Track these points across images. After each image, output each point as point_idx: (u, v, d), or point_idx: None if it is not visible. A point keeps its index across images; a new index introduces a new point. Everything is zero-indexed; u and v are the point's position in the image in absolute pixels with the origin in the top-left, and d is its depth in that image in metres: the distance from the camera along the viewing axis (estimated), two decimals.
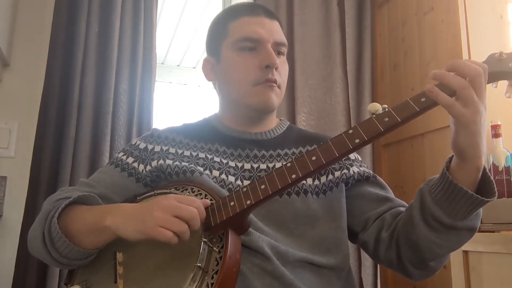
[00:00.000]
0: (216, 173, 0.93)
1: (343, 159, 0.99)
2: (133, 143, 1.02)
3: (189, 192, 0.85)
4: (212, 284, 0.70)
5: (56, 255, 0.83)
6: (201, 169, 0.92)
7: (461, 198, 0.75)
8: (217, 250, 0.75)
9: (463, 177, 0.75)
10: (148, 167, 0.95)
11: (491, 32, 1.76)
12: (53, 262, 0.86)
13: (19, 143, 1.92)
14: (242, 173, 0.94)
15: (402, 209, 0.93)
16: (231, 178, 0.93)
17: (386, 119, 0.73)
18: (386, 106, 0.75)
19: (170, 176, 0.92)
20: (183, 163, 0.92)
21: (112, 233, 0.79)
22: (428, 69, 1.91)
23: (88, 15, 1.89)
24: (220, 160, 0.96)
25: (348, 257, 0.94)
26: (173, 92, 2.77)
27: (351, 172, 0.98)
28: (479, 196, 0.74)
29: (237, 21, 0.98)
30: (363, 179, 1.00)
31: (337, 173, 0.97)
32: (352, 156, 1.02)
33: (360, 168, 1.00)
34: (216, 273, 0.71)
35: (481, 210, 0.79)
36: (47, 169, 1.74)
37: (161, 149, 0.98)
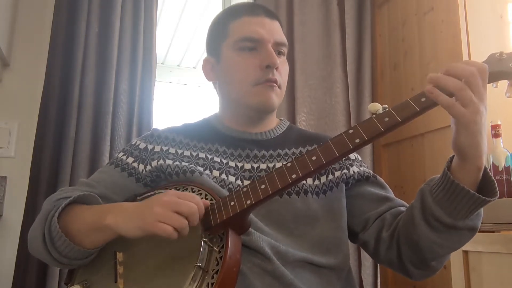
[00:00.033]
0: (216, 173, 0.93)
1: (343, 159, 0.99)
2: (133, 143, 1.02)
3: (189, 192, 0.85)
4: (212, 284, 0.70)
5: (56, 255, 0.83)
6: (201, 169, 0.92)
7: (463, 198, 0.75)
8: (217, 250, 0.75)
9: (464, 177, 0.75)
10: (148, 167, 0.95)
11: (491, 32, 1.76)
12: (53, 262, 0.86)
13: (19, 143, 1.92)
14: (242, 173, 0.94)
15: (402, 209, 0.93)
16: (231, 178, 0.93)
17: (387, 119, 0.73)
18: (387, 106, 0.75)
19: (170, 176, 0.92)
20: (183, 163, 0.92)
21: (112, 231, 0.79)
22: (428, 69, 1.92)
23: (88, 15, 1.89)
24: (220, 160, 0.96)
25: (348, 257, 0.95)
26: (173, 92, 2.77)
27: (351, 172, 0.98)
28: (480, 195, 0.74)
29: (237, 21, 0.98)
30: (363, 179, 1.00)
31: (337, 173, 0.97)
32: (352, 156, 1.02)
33: (360, 168, 1.00)
34: (216, 273, 0.71)
35: (482, 210, 0.79)
36: (47, 169, 1.74)
37: (161, 149, 0.98)
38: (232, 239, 0.75)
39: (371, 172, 1.02)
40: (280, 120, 1.08)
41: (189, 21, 2.86)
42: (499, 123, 1.52)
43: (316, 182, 0.95)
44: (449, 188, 0.76)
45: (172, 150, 0.97)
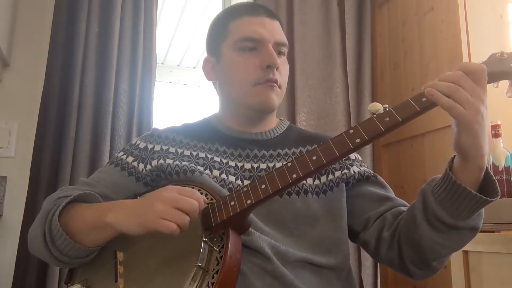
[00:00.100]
0: (216, 172, 0.93)
1: (343, 159, 0.99)
2: (133, 142, 1.02)
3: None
4: (212, 283, 0.70)
5: (57, 254, 0.83)
6: (201, 168, 0.92)
7: (465, 198, 0.75)
8: (217, 249, 0.74)
9: (466, 177, 0.75)
10: (148, 166, 0.95)
11: (491, 32, 1.76)
12: (53, 261, 0.86)
13: (19, 143, 1.93)
14: (242, 173, 0.94)
15: (403, 208, 0.93)
16: (231, 178, 0.93)
17: (387, 118, 0.73)
18: (387, 105, 0.75)
19: (170, 176, 0.92)
20: (184, 163, 0.92)
21: (113, 229, 0.78)
22: (428, 69, 1.92)
23: (88, 15, 1.89)
24: (220, 160, 0.96)
25: (348, 257, 0.94)
26: (173, 92, 2.77)
27: (352, 171, 0.98)
28: (482, 196, 0.74)
29: (237, 21, 0.98)
30: (364, 178, 0.99)
31: (337, 173, 0.97)
32: (352, 156, 1.02)
33: (361, 168, 1.00)
34: (216, 272, 0.71)
35: (483, 210, 0.79)
36: (47, 169, 1.74)
37: (161, 148, 0.98)
38: (232, 239, 0.75)
39: (372, 171, 1.02)
40: (280, 120, 1.08)
41: (189, 21, 2.86)
42: (499, 123, 1.52)
43: (316, 182, 0.95)
44: (451, 189, 0.76)
45: (172, 150, 0.97)
